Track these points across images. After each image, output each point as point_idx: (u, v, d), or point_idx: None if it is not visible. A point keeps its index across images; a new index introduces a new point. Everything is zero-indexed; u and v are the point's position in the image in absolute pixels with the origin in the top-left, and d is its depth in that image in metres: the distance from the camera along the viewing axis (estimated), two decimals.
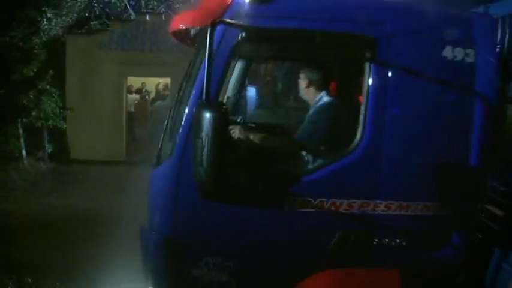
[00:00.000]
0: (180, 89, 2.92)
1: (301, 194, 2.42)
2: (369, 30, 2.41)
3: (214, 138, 2.02)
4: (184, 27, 2.48)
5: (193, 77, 2.48)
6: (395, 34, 2.40)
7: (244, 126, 3.13)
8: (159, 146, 2.84)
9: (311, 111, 2.86)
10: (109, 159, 10.20)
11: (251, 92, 4.50)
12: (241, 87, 3.71)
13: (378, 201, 2.43)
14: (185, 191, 2.39)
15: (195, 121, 2.10)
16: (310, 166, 2.64)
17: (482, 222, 2.68)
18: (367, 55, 2.42)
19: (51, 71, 10.02)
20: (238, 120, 3.46)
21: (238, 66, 3.63)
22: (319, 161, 2.64)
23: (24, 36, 9.86)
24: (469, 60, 2.44)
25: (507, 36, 2.75)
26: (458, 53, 2.43)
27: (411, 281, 2.50)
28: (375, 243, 2.47)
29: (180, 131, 2.39)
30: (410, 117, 2.47)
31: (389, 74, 2.41)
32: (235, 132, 2.88)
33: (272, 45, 2.75)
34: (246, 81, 3.98)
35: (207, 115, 2.03)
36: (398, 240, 2.47)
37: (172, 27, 2.56)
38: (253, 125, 3.50)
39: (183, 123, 2.39)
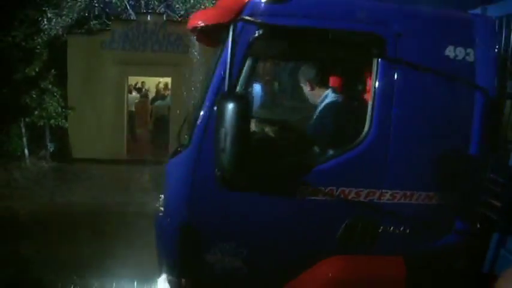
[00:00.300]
0: (198, 86, 3.01)
1: (312, 183, 2.51)
2: (379, 29, 2.51)
3: (238, 128, 2.10)
4: (201, 25, 2.58)
5: (211, 72, 2.55)
6: (402, 34, 2.50)
7: (258, 119, 3.24)
8: (178, 138, 2.94)
9: (319, 108, 2.93)
10: (110, 158, 10.25)
11: (257, 88, 4.57)
12: (249, 83, 3.80)
13: (384, 190, 2.54)
14: (201, 179, 2.47)
15: (218, 111, 2.17)
16: (321, 158, 2.71)
17: (482, 211, 2.78)
18: (377, 53, 2.51)
19: (53, 71, 10.04)
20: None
21: (248, 63, 3.72)
22: (329, 154, 2.71)
23: (26, 36, 9.84)
24: (469, 59, 2.56)
25: (504, 36, 2.91)
26: (460, 53, 2.54)
27: (415, 268, 2.58)
28: (380, 230, 2.57)
29: (198, 122, 2.47)
30: (415, 112, 2.57)
31: (396, 71, 2.51)
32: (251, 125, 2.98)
33: (287, 44, 2.83)
34: (253, 78, 4.05)
35: (231, 105, 2.10)
36: (402, 228, 2.57)
37: (190, 25, 2.65)
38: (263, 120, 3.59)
39: (201, 114, 2.46)
